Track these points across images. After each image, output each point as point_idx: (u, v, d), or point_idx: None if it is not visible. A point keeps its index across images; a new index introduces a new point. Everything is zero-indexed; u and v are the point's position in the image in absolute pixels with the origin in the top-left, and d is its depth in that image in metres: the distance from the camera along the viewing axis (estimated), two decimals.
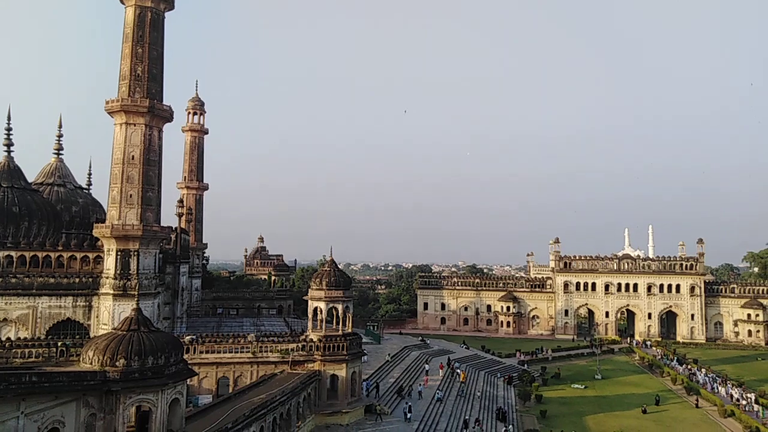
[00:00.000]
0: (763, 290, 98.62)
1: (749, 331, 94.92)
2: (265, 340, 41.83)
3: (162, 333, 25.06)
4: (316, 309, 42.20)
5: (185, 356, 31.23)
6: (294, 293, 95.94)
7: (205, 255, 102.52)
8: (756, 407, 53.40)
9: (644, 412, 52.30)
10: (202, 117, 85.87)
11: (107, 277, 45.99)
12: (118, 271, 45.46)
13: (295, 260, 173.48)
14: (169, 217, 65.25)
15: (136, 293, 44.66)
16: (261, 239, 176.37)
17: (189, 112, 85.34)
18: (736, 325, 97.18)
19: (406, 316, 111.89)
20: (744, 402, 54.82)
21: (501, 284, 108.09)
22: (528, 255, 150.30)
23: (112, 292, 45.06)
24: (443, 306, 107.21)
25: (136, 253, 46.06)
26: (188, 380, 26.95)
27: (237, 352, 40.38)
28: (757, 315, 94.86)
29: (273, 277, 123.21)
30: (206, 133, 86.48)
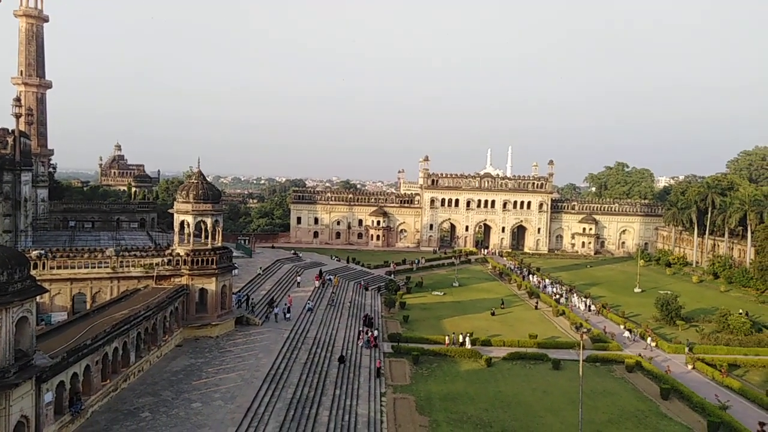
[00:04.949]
0: (597, 207, 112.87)
1: (583, 243, 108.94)
2: (126, 254, 39.58)
3: (3, 247, 22.58)
4: (183, 222, 40.50)
5: (33, 272, 28.69)
6: (158, 206, 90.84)
7: (51, 162, 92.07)
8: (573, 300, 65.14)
9: (493, 314, 58.81)
10: (39, 1, 73.73)
11: None
12: None
13: (159, 171, 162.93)
14: (4, 118, 57.09)
15: None
16: (118, 147, 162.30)
17: None
18: (573, 237, 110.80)
19: (279, 231, 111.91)
20: (576, 303, 64.01)
21: (373, 200, 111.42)
22: (399, 172, 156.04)
23: None
24: (316, 220, 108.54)
25: None
26: (38, 297, 24.92)
27: (94, 268, 37.92)
28: (591, 229, 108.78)
29: (133, 189, 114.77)
30: (46, 20, 74.70)
